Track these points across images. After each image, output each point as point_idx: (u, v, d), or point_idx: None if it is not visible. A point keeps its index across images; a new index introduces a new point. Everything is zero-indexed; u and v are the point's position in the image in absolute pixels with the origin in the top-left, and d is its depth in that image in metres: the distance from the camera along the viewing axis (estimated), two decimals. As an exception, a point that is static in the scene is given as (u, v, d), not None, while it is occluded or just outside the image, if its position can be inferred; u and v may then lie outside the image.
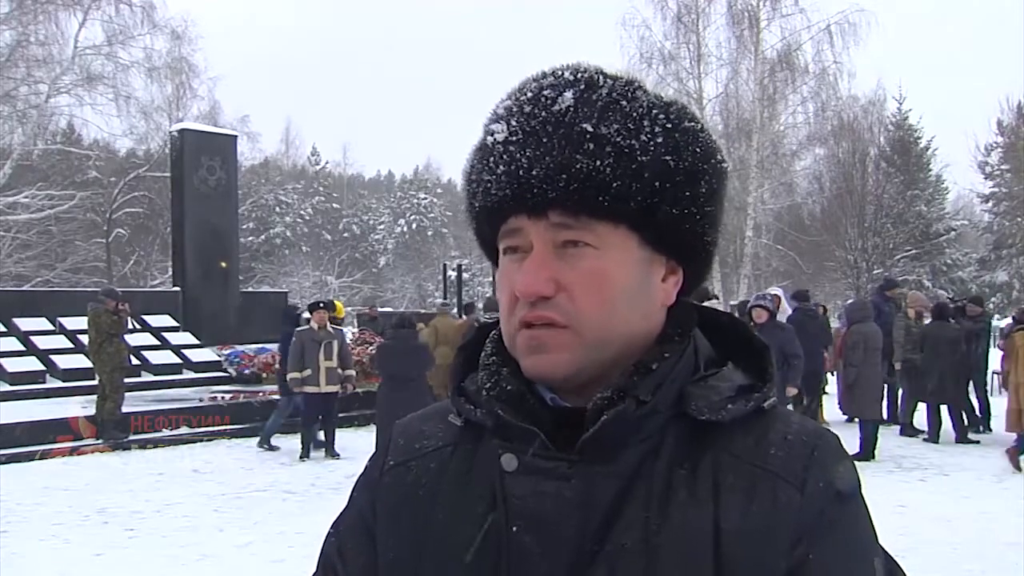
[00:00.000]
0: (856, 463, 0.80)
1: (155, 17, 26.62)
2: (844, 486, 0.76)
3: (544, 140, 0.74)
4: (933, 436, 9.93)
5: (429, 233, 54.87)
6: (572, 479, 0.75)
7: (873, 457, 8.69)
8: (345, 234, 53.56)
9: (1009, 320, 11.89)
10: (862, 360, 8.87)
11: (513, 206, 0.76)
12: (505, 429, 0.78)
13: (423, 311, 23.77)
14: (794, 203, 31.35)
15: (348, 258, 48.99)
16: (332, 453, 9.33)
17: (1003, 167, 33.31)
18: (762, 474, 0.74)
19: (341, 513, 0.91)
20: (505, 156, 0.75)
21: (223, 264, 16.37)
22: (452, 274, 23.63)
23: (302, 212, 50.64)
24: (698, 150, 0.78)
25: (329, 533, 0.90)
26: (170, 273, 20.88)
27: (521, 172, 0.74)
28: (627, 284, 0.77)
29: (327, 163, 60.57)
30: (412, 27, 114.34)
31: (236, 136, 18.56)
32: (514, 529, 0.75)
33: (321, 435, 9.58)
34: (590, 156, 0.73)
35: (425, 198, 56.61)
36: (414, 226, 55.12)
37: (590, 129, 0.74)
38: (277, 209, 47.86)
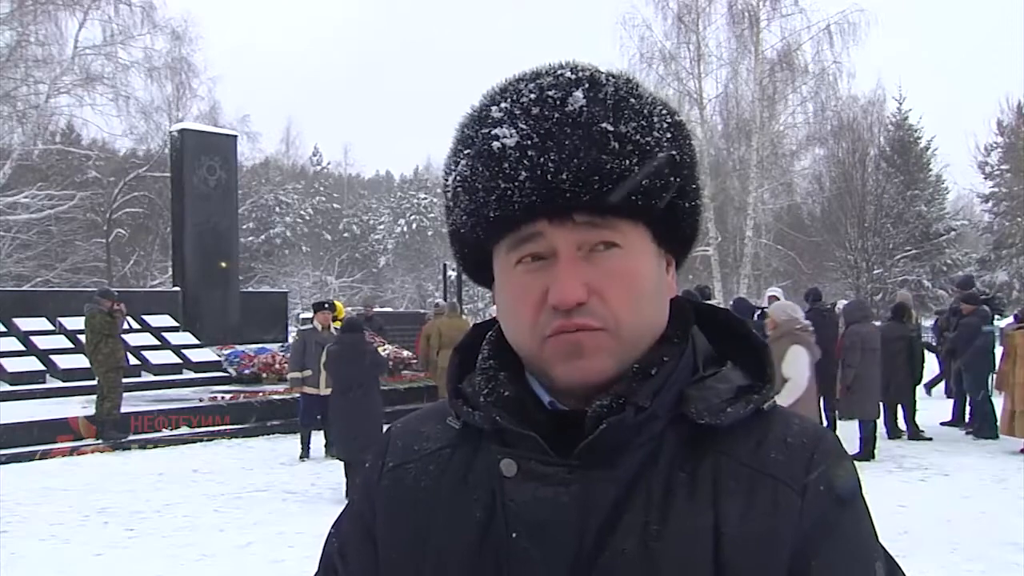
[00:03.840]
0: (856, 463, 0.79)
1: (155, 17, 26.71)
2: (845, 489, 0.75)
3: (565, 142, 0.71)
4: (911, 432, 9.95)
5: (429, 233, 54.84)
6: (571, 485, 0.73)
7: (873, 457, 8.69)
8: (345, 234, 53.53)
9: (1010, 319, 11.86)
10: (860, 361, 8.88)
11: (536, 212, 0.73)
12: (503, 434, 0.77)
13: (423, 311, 23.77)
14: (794, 203, 31.42)
15: (348, 258, 48.97)
16: (332, 453, 9.30)
17: (1003, 167, 33.34)
18: (762, 478, 0.74)
19: (341, 514, 0.90)
20: (525, 161, 0.71)
21: (223, 264, 16.35)
22: (452, 274, 23.61)
23: (302, 212, 50.60)
24: (691, 142, 0.80)
25: (330, 533, 0.90)
26: (170, 273, 20.86)
27: (549, 176, 0.71)
28: (652, 281, 0.76)
29: (328, 163, 60.63)
30: (412, 28, 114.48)
31: (236, 136, 18.52)
32: (513, 535, 0.74)
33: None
34: (616, 156, 0.72)
35: (425, 198, 56.60)
36: (414, 226, 55.12)
37: (610, 128, 0.72)
38: (277, 209, 47.81)
